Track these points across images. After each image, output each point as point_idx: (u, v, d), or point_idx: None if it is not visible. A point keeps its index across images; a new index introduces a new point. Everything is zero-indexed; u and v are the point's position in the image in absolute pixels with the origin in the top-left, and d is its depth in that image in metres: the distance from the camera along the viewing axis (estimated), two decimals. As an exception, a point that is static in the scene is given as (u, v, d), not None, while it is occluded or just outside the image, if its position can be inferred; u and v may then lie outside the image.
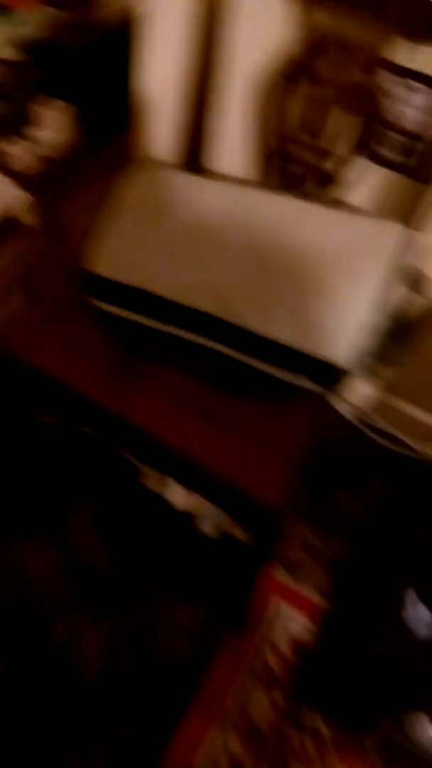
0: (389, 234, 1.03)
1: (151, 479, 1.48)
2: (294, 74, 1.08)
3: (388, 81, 1.04)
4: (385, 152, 1.15)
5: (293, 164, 1.15)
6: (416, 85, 1.05)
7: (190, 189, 1.08)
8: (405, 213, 1.10)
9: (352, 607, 1.37)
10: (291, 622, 1.38)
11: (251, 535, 1.14)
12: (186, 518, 1.44)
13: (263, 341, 1.00)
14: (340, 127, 1.09)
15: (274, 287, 1.01)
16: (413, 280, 1.13)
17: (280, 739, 1.26)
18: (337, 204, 1.11)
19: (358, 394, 1.63)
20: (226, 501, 1.11)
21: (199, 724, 1.26)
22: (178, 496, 1.45)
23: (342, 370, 1.01)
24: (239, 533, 1.38)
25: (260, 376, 1.05)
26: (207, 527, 1.43)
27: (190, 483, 1.18)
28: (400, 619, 1.28)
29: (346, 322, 1.01)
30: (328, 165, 1.14)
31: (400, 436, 1.61)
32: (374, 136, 1.09)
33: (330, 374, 1.02)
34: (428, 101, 1.06)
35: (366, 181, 1.22)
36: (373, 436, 1.61)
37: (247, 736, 1.25)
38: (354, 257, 1.02)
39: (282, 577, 1.44)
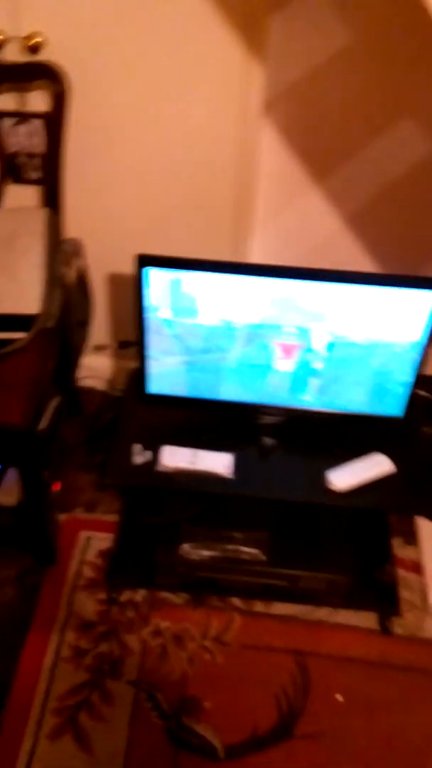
0: (37, 218, 1.47)
1: None
2: None
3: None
4: (25, 173, 1.59)
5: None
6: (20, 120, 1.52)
7: None
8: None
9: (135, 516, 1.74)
10: (96, 541, 1.72)
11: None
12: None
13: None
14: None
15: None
16: (75, 248, 1.58)
17: (108, 621, 1.58)
18: None
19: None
20: None
21: (38, 638, 1.54)
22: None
23: (36, 316, 1.40)
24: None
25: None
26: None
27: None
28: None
29: (27, 285, 1.42)
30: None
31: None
32: (8, 165, 1.53)
33: (29, 322, 1.41)
34: (28, 130, 1.52)
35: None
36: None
37: (80, 629, 1.56)
38: (18, 238, 1.44)
39: (81, 514, 1.78)
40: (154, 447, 1.43)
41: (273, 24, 1.47)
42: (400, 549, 1.73)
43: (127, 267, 1.35)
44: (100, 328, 1.93)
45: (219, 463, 1.40)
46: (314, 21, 1.50)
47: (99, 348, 2.01)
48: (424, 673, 1.53)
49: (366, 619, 1.59)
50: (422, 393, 1.91)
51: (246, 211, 1.75)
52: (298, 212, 1.87)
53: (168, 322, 1.35)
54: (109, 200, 1.69)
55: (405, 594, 1.64)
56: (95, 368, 2.04)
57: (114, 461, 1.43)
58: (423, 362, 1.37)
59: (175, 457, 1.40)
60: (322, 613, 1.60)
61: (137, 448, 1.42)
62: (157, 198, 1.69)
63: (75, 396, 1.99)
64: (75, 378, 1.95)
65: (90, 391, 2.06)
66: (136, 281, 1.29)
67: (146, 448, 1.43)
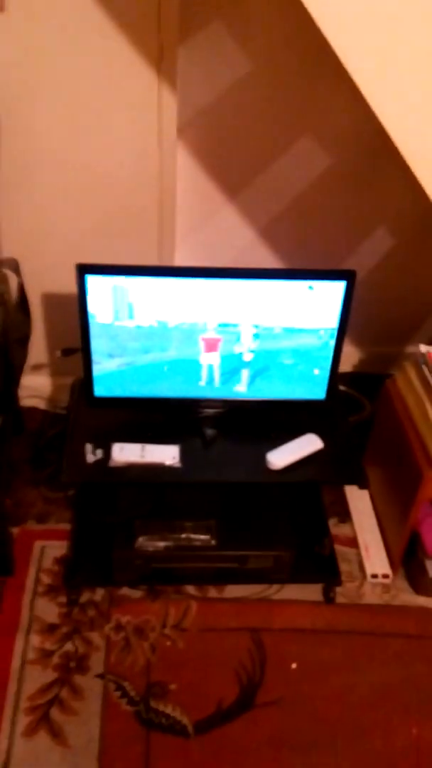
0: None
1: None
2: None
3: None
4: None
5: None
6: None
7: None
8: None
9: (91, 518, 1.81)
10: (51, 549, 1.78)
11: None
12: None
13: None
14: None
15: None
16: (12, 266, 1.67)
17: (70, 621, 1.64)
18: None
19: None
20: None
21: (3, 644, 1.59)
22: None
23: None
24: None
25: None
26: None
27: None
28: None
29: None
30: None
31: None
32: None
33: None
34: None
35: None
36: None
37: (43, 632, 1.62)
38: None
39: (34, 526, 1.84)
40: (104, 446, 1.52)
41: (181, 54, 1.63)
42: (336, 527, 1.88)
43: (64, 283, 1.45)
44: (38, 346, 2.02)
45: (166, 454, 1.51)
46: (217, 51, 1.68)
47: (37, 367, 2.09)
48: (366, 635, 1.66)
49: (311, 593, 1.72)
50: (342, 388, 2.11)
51: (168, 227, 1.89)
52: (215, 225, 2.03)
53: (108, 326, 1.46)
54: (42, 221, 1.80)
55: (344, 566, 1.78)
56: (35, 387, 2.12)
57: (69, 461, 1.51)
58: (339, 347, 1.52)
59: (124, 453, 1.50)
60: (271, 591, 1.72)
61: (89, 447, 1.51)
62: (86, 216, 1.81)
63: (18, 415, 2.06)
64: (17, 397, 2.02)
65: (31, 410, 2.14)
66: (79, 288, 1.39)
67: (97, 447, 1.52)
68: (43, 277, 1.83)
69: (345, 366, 2.36)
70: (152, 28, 1.53)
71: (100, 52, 1.55)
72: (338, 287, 1.44)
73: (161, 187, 1.80)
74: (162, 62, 1.58)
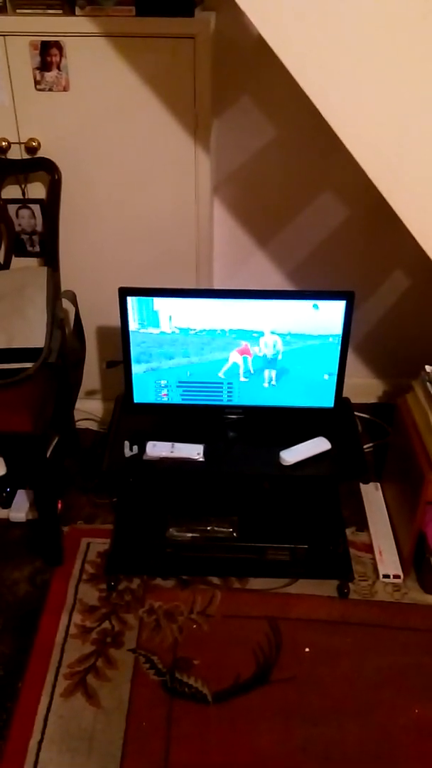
0: (40, 274, 1.88)
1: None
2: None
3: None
4: (27, 247, 2.03)
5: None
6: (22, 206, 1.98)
7: None
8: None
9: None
10: (96, 545, 2.02)
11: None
12: None
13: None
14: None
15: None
16: (71, 297, 1.98)
17: (109, 604, 1.86)
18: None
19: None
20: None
21: (50, 621, 1.81)
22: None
23: (42, 350, 1.78)
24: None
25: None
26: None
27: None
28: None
29: (35, 325, 1.80)
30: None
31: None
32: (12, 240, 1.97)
33: (36, 355, 1.78)
34: (29, 213, 1.98)
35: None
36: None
37: (85, 612, 1.84)
38: (25, 288, 1.84)
39: (82, 525, 2.09)
40: (140, 443, 1.77)
41: (216, 124, 1.97)
42: (353, 535, 2.05)
43: (115, 317, 1.75)
44: (92, 373, 2.32)
45: (193, 451, 1.74)
46: (246, 121, 2.01)
47: (91, 392, 2.38)
48: (376, 627, 1.81)
49: (327, 589, 1.88)
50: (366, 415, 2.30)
51: (204, 270, 2.18)
52: (248, 270, 2.32)
53: (145, 338, 1.75)
54: (96, 261, 2.12)
55: (359, 568, 1.94)
56: (89, 411, 2.41)
57: (109, 455, 1.77)
58: (344, 357, 1.75)
59: (156, 449, 1.75)
60: (290, 587, 1.89)
61: (126, 444, 1.77)
62: (133, 258, 2.12)
63: (74, 435, 2.34)
64: (73, 418, 2.31)
65: (85, 431, 2.42)
66: (121, 308, 1.69)
67: (134, 444, 1.77)
68: (96, 313, 2.14)
69: (370, 397, 2.56)
70: (189, 102, 1.86)
71: (145, 121, 1.90)
72: (340, 305, 1.69)
73: (198, 234, 2.11)
74: (197, 130, 1.91)
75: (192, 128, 1.91)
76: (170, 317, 1.72)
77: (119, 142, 1.93)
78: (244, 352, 1.76)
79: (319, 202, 2.21)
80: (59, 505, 2.09)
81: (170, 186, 2.00)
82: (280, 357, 1.76)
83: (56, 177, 1.92)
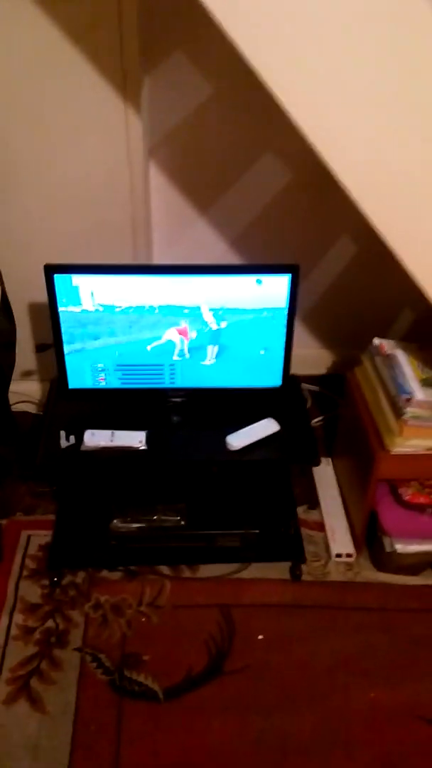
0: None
1: None
2: None
3: None
4: None
5: None
6: None
7: None
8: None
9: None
10: (37, 538, 1.91)
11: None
12: None
13: None
14: None
15: None
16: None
17: (52, 601, 1.76)
18: None
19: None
20: None
21: (-9, 621, 1.71)
22: None
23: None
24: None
25: None
26: None
27: None
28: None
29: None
30: None
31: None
32: None
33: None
34: None
35: None
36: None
37: (27, 611, 1.74)
38: None
39: (21, 517, 1.97)
40: (77, 433, 1.66)
41: (147, 82, 1.81)
42: (305, 514, 1.99)
43: (44, 294, 1.61)
44: (26, 353, 2.17)
45: (135, 439, 1.64)
46: (180, 78, 1.86)
47: (27, 373, 2.24)
48: (329, 609, 1.76)
49: (279, 572, 1.83)
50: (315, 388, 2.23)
51: (142, 240, 2.05)
52: (189, 238, 2.19)
53: (77, 318, 1.61)
54: (21, 234, 1.96)
55: (311, 548, 1.89)
56: (26, 393, 2.27)
57: (44, 447, 1.65)
58: (290, 334, 1.66)
59: (95, 438, 1.63)
60: (243, 572, 1.83)
61: (62, 434, 1.65)
62: (63, 228, 1.97)
63: (10, 420, 2.20)
64: (7, 402, 2.17)
65: (23, 414, 2.29)
66: (48, 287, 1.55)
67: (70, 434, 1.66)
68: (25, 290, 1.98)
69: (319, 368, 2.49)
70: (115, 57, 1.70)
71: (69, 79, 1.72)
72: (284, 280, 1.58)
73: (133, 202, 1.96)
74: (126, 88, 1.75)
75: (120, 86, 1.75)
76: (92, 293, 1.58)
77: (40, 101, 1.76)
78: (182, 332, 1.64)
79: (260, 165, 2.08)
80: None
81: (100, 148, 1.85)
82: (221, 334, 1.65)
83: (-29, 142, 1.74)
